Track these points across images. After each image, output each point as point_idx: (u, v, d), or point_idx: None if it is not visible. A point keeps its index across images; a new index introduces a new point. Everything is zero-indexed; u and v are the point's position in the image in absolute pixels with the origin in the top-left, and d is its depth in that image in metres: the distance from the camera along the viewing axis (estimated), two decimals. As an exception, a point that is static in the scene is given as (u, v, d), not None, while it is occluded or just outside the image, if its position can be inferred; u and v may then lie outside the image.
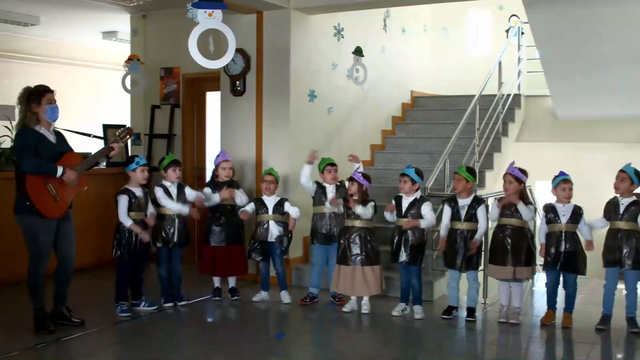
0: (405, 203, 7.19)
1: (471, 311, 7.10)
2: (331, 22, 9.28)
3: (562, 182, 6.85)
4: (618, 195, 6.75)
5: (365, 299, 7.35)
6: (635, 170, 6.68)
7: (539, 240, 6.97)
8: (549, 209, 6.90)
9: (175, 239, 7.41)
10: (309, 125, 8.94)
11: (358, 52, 8.80)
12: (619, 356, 6.28)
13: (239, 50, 8.46)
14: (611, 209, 6.75)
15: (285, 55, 8.57)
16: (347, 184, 7.45)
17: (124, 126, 9.59)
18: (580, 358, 6.02)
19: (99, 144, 8.46)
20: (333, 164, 7.73)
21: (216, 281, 7.90)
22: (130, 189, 7.12)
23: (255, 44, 8.70)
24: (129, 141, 9.31)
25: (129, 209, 7.05)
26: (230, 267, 7.80)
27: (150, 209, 7.28)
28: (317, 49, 9.06)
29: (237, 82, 8.80)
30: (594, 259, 6.93)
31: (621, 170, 6.72)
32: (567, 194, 6.82)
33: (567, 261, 6.80)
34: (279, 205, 7.72)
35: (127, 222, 7.03)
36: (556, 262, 6.81)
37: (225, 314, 7.62)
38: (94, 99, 13.54)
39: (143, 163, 7.22)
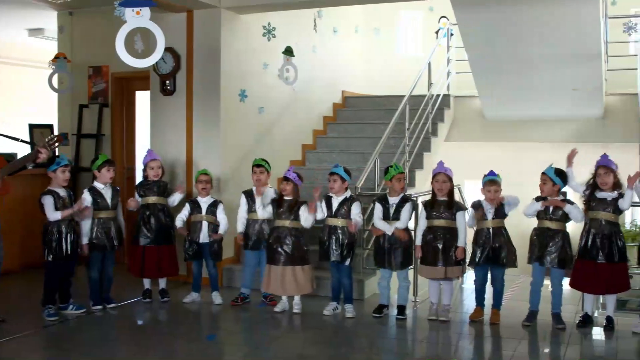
0: (335, 202, 7.22)
1: (402, 309, 7.17)
2: (262, 22, 9.25)
3: (487, 183, 6.97)
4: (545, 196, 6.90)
5: (297, 299, 7.35)
6: (557, 171, 6.83)
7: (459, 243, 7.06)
8: (478, 206, 7.01)
9: (111, 241, 7.30)
10: (240, 125, 8.90)
11: (288, 51, 8.81)
12: (546, 351, 6.41)
13: (168, 49, 8.38)
14: (542, 207, 6.90)
15: (216, 55, 8.52)
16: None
17: (50, 126, 9.40)
18: (507, 353, 6.13)
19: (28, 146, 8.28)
20: (259, 165, 7.69)
21: (146, 282, 7.79)
22: (53, 190, 6.96)
23: (186, 43, 8.61)
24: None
25: (55, 210, 6.90)
26: (159, 268, 7.70)
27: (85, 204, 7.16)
28: (248, 49, 9.03)
29: (167, 82, 8.70)
30: (521, 256, 7.08)
31: (543, 173, 6.87)
32: (492, 196, 6.95)
33: (495, 256, 6.94)
34: (213, 207, 7.67)
35: (57, 215, 6.86)
36: (485, 258, 6.95)
37: (156, 316, 7.53)
38: (20, 97, 13.22)
39: (64, 163, 7.04)
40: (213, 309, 7.55)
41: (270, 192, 7.64)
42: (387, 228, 7.07)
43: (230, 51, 8.67)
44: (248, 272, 7.73)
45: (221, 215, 7.67)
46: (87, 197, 7.23)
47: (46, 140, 6.73)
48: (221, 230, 7.66)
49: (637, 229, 6.80)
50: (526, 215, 6.97)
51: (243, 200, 7.68)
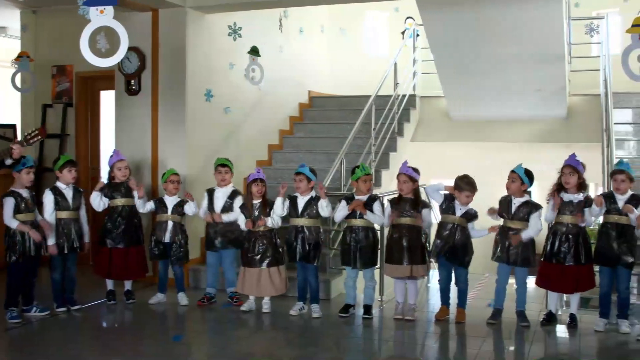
0: (301, 203, 7.22)
1: (368, 309, 7.20)
2: (227, 22, 9.22)
3: (464, 189, 7.02)
4: (510, 194, 6.96)
5: (266, 299, 7.35)
6: (526, 171, 6.90)
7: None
8: (450, 198, 7.07)
9: (71, 243, 7.22)
10: (206, 124, 8.87)
11: (254, 51, 8.79)
12: (511, 348, 6.47)
13: (133, 49, 8.34)
14: (504, 207, 6.96)
15: (182, 54, 8.48)
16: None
17: (13, 126, 9.27)
18: (472, 351, 6.18)
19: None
20: (224, 165, 7.67)
21: (109, 284, 7.71)
22: (16, 191, 6.87)
23: (151, 43, 8.57)
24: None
25: (17, 211, 6.81)
26: (127, 270, 7.64)
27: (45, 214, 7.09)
28: (213, 48, 9.00)
29: (132, 81, 8.65)
30: (487, 255, 7.14)
31: (512, 171, 6.93)
32: (465, 201, 7.01)
33: (455, 255, 7.01)
34: (179, 206, 7.63)
35: (13, 224, 6.78)
36: (446, 253, 7.02)
37: (121, 317, 7.47)
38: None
39: (29, 165, 6.95)
40: (179, 310, 7.51)
41: (231, 191, 7.64)
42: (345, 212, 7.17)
43: (195, 51, 8.63)
44: (211, 272, 7.72)
45: (189, 210, 7.65)
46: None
47: (26, 134, 6.66)
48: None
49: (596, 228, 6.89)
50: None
51: (206, 199, 7.68)
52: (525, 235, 6.80)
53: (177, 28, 8.48)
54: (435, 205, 7.32)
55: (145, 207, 7.68)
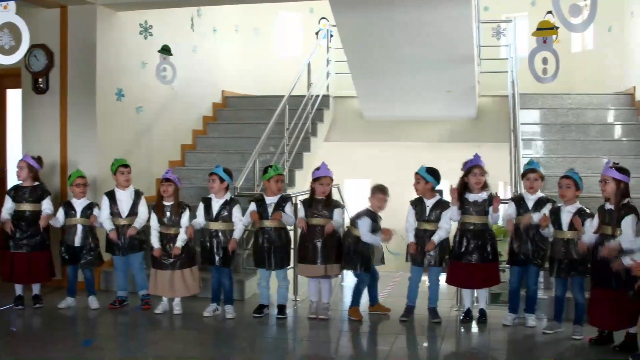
0: (215, 206, 7.18)
1: (282, 308, 7.20)
2: (139, 20, 9.09)
3: (377, 193, 7.10)
4: (421, 195, 7.07)
5: (177, 300, 7.28)
6: (430, 169, 7.02)
7: (408, 239, 7.14)
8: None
9: None
10: (117, 124, 8.72)
11: (165, 50, 8.64)
12: (425, 345, 6.57)
13: (41, 46, 8.16)
14: (418, 209, 7.06)
15: (91, 52, 8.32)
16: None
17: None
18: (385, 348, 6.26)
19: None
20: (126, 165, 7.54)
21: (18, 289, 7.50)
22: None
23: (59, 40, 8.38)
24: None
25: None
26: (30, 274, 7.43)
27: None
28: (124, 47, 8.85)
29: (40, 79, 8.43)
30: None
31: (415, 173, 7.05)
32: (380, 205, 7.09)
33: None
34: (88, 209, 7.46)
35: None
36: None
37: (29, 322, 7.25)
38: None
39: None
40: (90, 314, 7.36)
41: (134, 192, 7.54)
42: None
43: (106, 49, 8.48)
44: (120, 275, 7.60)
45: (98, 212, 7.48)
46: None
47: None
48: (106, 227, 7.47)
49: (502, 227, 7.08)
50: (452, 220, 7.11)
51: (105, 202, 7.52)
52: (436, 238, 6.93)
53: (87, 25, 8.31)
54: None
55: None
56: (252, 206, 7.17)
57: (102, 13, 8.39)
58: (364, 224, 6.99)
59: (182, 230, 7.17)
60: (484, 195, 6.89)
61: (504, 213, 7.02)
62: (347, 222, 7.46)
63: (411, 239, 7.03)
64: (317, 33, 12.57)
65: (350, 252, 7.08)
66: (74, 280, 7.56)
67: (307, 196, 7.27)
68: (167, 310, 7.29)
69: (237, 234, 7.18)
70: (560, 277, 6.54)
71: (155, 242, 7.21)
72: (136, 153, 8.43)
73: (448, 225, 6.98)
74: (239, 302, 7.62)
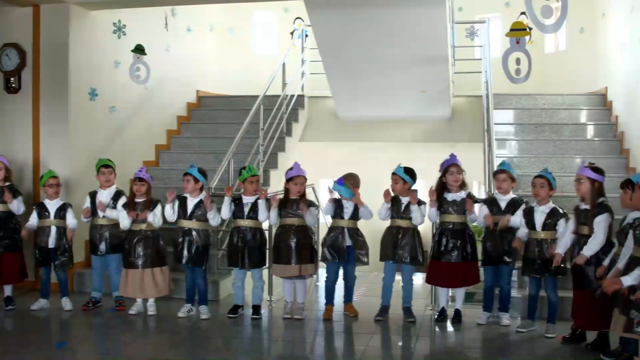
0: (190, 204, 7.15)
1: (256, 309, 7.19)
2: (112, 19, 9.03)
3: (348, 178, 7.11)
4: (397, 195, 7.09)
5: (151, 301, 7.24)
6: (407, 169, 7.04)
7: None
8: (336, 202, 7.12)
9: None
10: (90, 124, 8.67)
11: (139, 49, 8.57)
12: (399, 344, 6.59)
13: (13, 45, 8.10)
14: (393, 207, 7.07)
15: (64, 52, 8.26)
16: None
17: None
18: (360, 348, 6.26)
19: None
20: (107, 166, 7.49)
21: (-8, 290, 7.44)
22: None
23: (32, 39, 8.32)
24: None
25: None
26: (2, 275, 7.36)
27: None
28: (98, 46, 8.80)
29: (12, 79, 8.36)
30: (374, 254, 7.25)
31: (393, 173, 7.07)
32: (356, 200, 7.08)
33: (347, 254, 7.08)
34: (61, 210, 7.40)
35: None
36: (335, 257, 7.07)
37: (1, 325, 7.17)
38: None
39: None
40: (63, 315, 7.30)
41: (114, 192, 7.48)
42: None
43: (79, 48, 8.42)
44: (96, 276, 7.55)
45: (70, 219, 7.42)
46: None
47: None
48: (72, 226, 7.42)
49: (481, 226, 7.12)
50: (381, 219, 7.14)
51: (88, 202, 7.48)
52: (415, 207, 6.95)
53: (60, 24, 8.25)
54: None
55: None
56: (227, 201, 7.16)
57: (75, 12, 8.32)
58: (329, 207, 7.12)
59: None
60: (462, 194, 6.92)
61: (479, 213, 7.04)
62: (322, 221, 7.47)
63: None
64: (292, 33, 12.58)
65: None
66: (47, 281, 7.49)
67: (281, 196, 7.27)
68: (141, 311, 7.25)
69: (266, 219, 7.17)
70: (533, 277, 6.59)
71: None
72: (110, 153, 8.37)
73: (419, 220, 7.00)
74: (213, 302, 7.60)
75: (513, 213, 6.75)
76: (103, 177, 7.45)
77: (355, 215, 7.10)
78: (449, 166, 6.96)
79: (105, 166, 7.47)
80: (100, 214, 7.37)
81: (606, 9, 10.63)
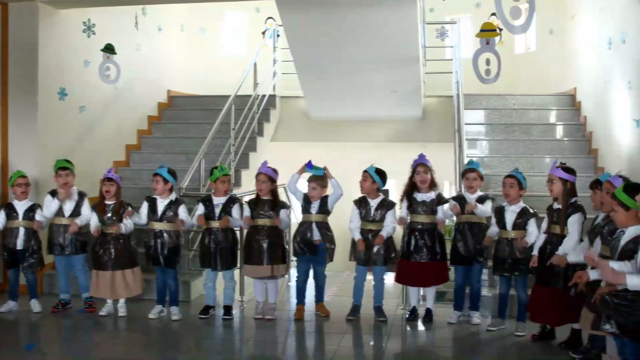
0: (160, 206, 7.12)
1: (228, 309, 7.18)
2: (82, 18, 8.96)
3: (312, 180, 7.10)
4: (365, 194, 7.10)
5: (122, 302, 7.19)
6: (378, 170, 7.06)
7: (355, 237, 7.11)
8: (305, 199, 7.13)
9: None
10: (60, 124, 8.59)
11: (108, 49, 8.49)
12: (371, 343, 6.60)
13: (-20, 44, 7.97)
14: (362, 209, 7.09)
15: (33, 51, 8.18)
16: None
17: None
18: (332, 347, 6.27)
19: None
20: (64, 168, 7.39)
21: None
22: None
23: (0, 38, 8.21)
24: None
25: None
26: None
27: None
28: (67, 45, 8.72)
29: (-21, 78, 8.26)
30: (344, 253, 7.26)
31: (364, 171, 7.08)
32: (311, 193, 7.10)
33: (313, 249, 7.09)
34: (30, 211, 7.31)
35: None
36: (305, 250, 7.08)
37: (-31, 327, 7.11)
38: None
39: None
40: (32, 318, 7.23)
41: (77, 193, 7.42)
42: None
43: (48, 47, 8.35)
44: (62, 277, 7.48)
45: (39, 215, 7.33)
46: None
47: None
48: (41, 221, 7.31)
49: (451, 225, 7.16)
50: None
51: (49, 200, 7.40)
52: (384, 233, 6.96)
53: (29, 23, 8.17)
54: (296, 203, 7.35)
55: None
56: (200, 209, 7.14)
57: (44, 11, 8.25)
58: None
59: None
60: (432, 195, 6.95)
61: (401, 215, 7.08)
62: (293, 221, 7.47)
63: (357, 236, 7.04)
64: (263, 33, 12.56)
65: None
66: (15, 283, 7.41)
67: (253, 196, 7.26)
68: (112, 312, 7.20)
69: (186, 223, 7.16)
70: (504, 276, 6.64)
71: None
72: (79, 153, 8.31)
73: (393, 224, 7.02)
74: (184, 303, 7.57)
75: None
76: (60, 180, 7.33)
77: (323, 210, 7.11)
78: (417, 166, 7.00)
79: (62, 168, 7.36)
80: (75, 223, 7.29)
81: (575, 11, 10.73)
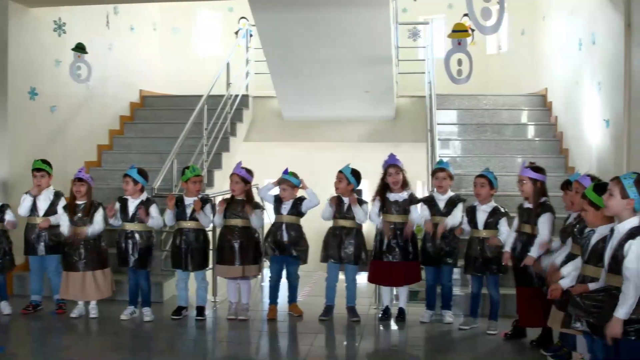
0: (131, 206, 7.07)
1: (201, 310, 7.15)
2: (52, 17, 8.88)
3: (282, 182, 7.10)
4: (340, 194, 7.11)
5: (93, 303, 7.14)
6: (353, 171, 7.07)
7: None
8: (278, 200, 7.12)
9: None
10: (30, 124, 8.52)
11: (79, 48, 8.42)
12: (344, 343, 6.61)
13: (-52, 43, 7.87)
14: (336, 207, 7.09)
15: (3, 50, 8.10)
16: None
17: None
18: (305, 348, 6.29)
19: None
20: (40, 169, 7.32)
21: None
22: None
23: (-31, 37, 8.13)
24: None
25: None
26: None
27: None
28: (38, 44, 8.65)
29: (-52, 78, 8.16)
30: (316, 253, 7.27)
31: (339, 171, 7.09)
32: (282, 194, 7.11)
33: (286, 249, 7.08)
34: (0, 212, 7.24)
35: None
36: (278, 250, 7.08)
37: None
38: None
39: None
40: (2, 320, 7.14)
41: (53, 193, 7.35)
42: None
43: (18, 46, 8.26)
44: (35, 278, 7.42)
45: (9, 215, 7.25)
46: None
47: None
48: (11, 220, 7.25)
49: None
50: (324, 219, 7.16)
51: (23, 198, 7.33)
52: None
53: (-2, 22, 8.09)
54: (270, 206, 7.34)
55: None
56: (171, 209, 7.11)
57: (14, 9, 8.16)
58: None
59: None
60: (404, 195, 6.98)
61: (419, 214, 7.09)
62: (266, 221, 7.46)
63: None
64: (236, 32, 12.54)
65: (300, 242, 7.13)
66: (-15, 285, 7.33)
67: (227, 196, 7.24)
68: (83, 314, 7.15)
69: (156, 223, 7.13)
70: (475, 275, 6.68)
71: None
72: (50, 153, 8.22)
73: (363, 219, 7.04)
74: (157, 304, 7.52)
75: (451, 212, 6.84)
76: (35, 181, 7.27)
77: (294, 211, 7.11)
78: (388, 167, 7.02)
79: (37, 170, 7.29)
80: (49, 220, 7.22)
81: (546, 12, 10.83)
